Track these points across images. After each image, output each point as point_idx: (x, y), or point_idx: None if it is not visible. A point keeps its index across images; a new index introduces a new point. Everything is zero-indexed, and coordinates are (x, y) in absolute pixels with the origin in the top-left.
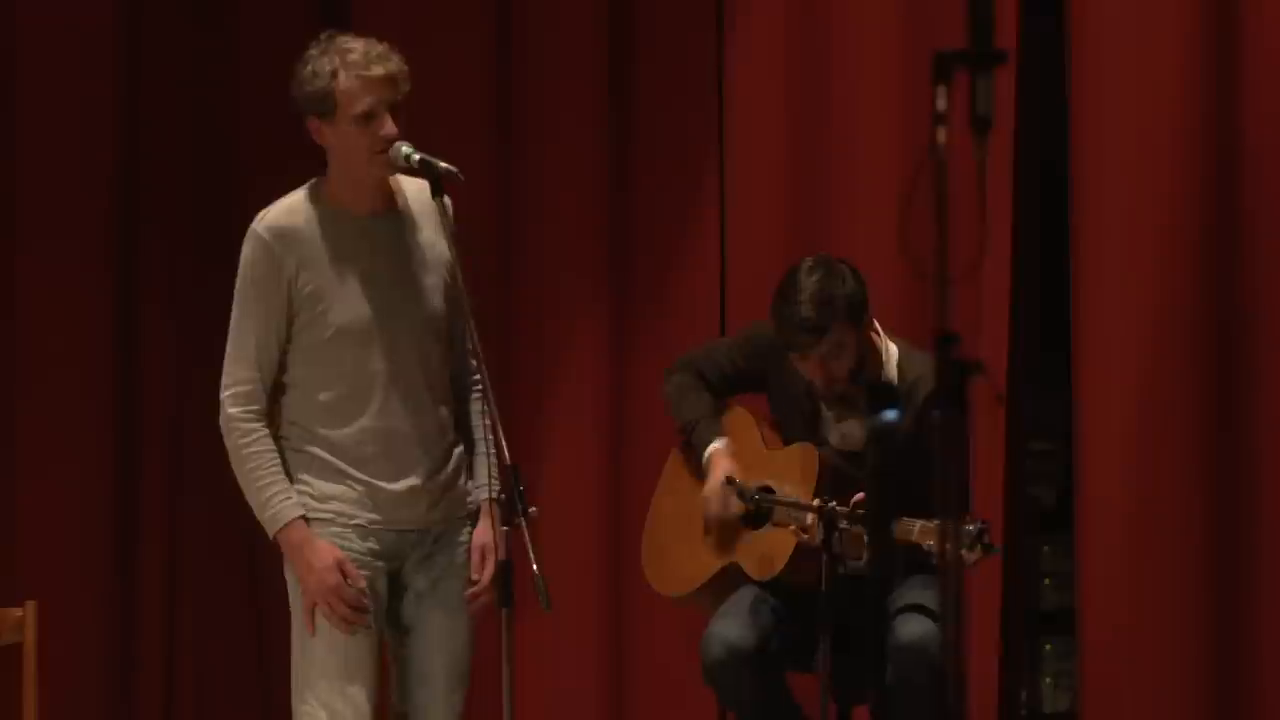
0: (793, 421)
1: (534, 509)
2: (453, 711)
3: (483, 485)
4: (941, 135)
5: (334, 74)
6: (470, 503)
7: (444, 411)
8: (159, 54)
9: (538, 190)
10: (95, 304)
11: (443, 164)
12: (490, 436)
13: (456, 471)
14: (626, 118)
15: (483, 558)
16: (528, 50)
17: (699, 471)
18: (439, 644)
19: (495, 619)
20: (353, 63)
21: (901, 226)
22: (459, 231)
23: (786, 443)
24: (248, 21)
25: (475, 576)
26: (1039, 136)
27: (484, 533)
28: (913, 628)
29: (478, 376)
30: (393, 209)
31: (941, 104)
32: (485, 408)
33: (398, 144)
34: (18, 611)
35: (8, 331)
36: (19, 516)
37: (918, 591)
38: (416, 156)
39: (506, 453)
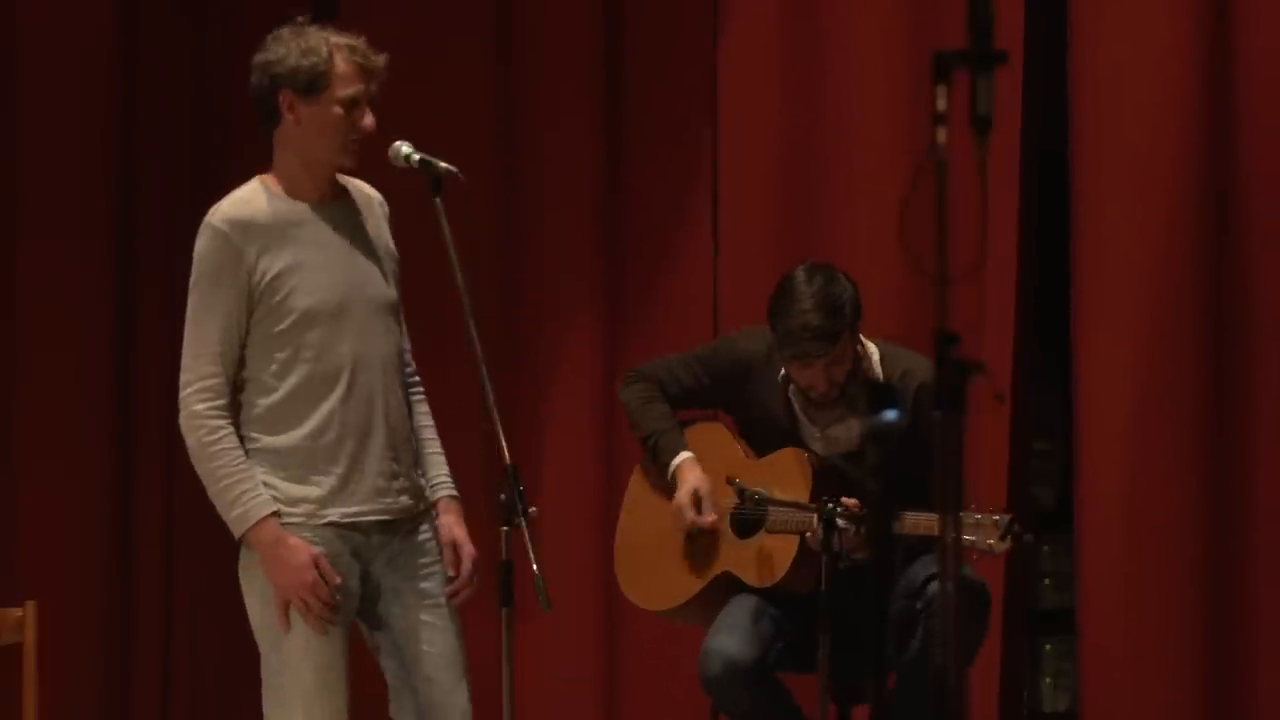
0: (767, 433)
1: (534, 509)
2: (461, 708)
3: (438, 482)
4: (941, 135)
5: (331, 55)
6: (425, 497)
7: (404, 395)
8: (157, 52)
9: (535, 192)
10: (93, 305)
11: (443, 164)
12: (433, 435)
13: (416, 460)
14: (622, 120)
15: (456, 553)
16: (526, 53)
17: (666, 486)
18: (434, 642)
19: (495, 619)
20: (351, 48)
21: (902, 227)
22: (455, 232)
23: (760, 455)
24: (245, 21)
25: (452, 572)
26: (1043, 135)
27: (450, 528)
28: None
29: (416, 378)
30: (341, 197)
31: (941, 104)
32: (484, 409)
33: (397, 144)
34: (18, 611)
35: (7, 332)
36: (19, 516)
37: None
38: (417, 157)
39: (507, 453)
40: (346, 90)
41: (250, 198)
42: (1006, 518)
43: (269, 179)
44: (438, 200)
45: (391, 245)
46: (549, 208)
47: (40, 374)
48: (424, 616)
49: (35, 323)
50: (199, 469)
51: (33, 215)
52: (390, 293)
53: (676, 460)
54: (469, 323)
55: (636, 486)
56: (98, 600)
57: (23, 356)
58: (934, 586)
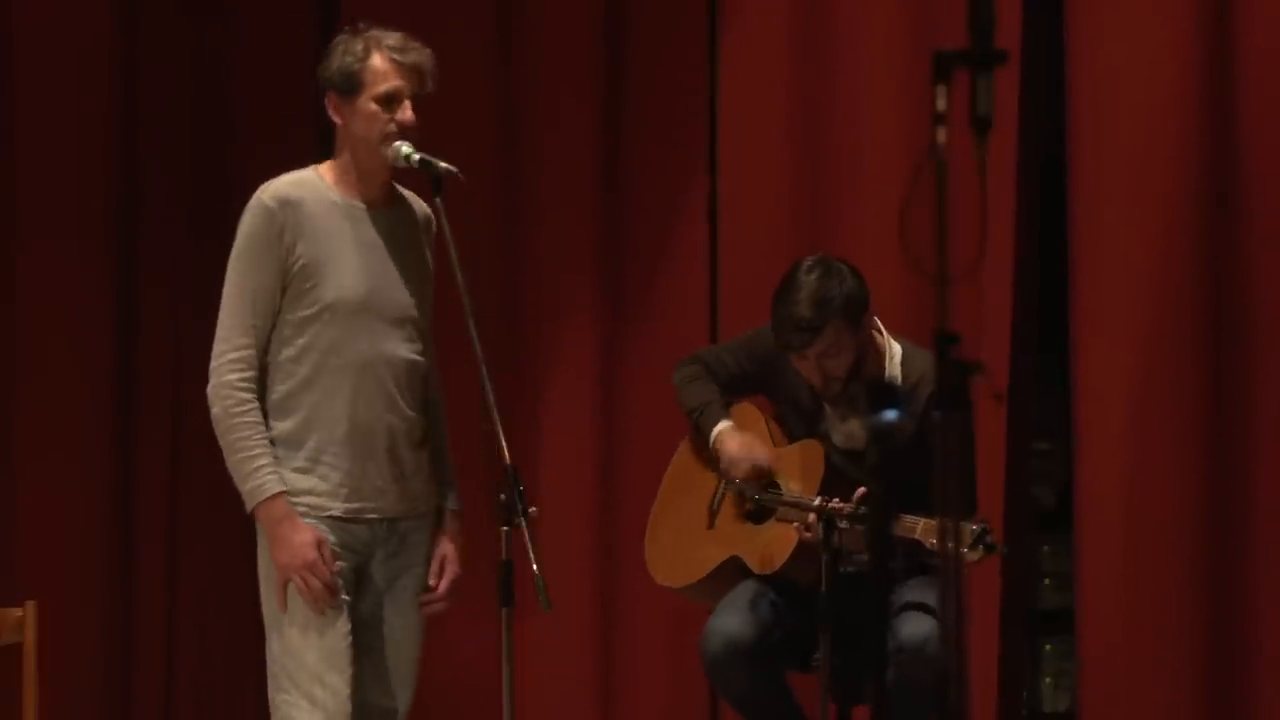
0: (797, 421)
1: (534, 509)
2: (401, 710)
3: (448, 498)
4: (941, 135)
5: (366, 53)
6: (430, 503)
7: (415, 405)
8: (156, 50)
9: (534, 192)
10: (94, 304)
11: (443, 164)
12: (446, 451)
13: (422, 466)
14: (620, 120)
15: (442, 567)
16: (526, 53)
17: (706, 463)
18: (393, 642)
19: (495, 619)
20: (388, 46)
21: (902, 227)
22: (455, 232)
23: (791, 441)
24: (245, 18)
25: (432, 582)
26: (1040, 137)
27: (444, 543)
28: (913, 627)
29: (438, 394)
30: (392, 205)
31: (941, 104)
32: (484, 409)
33: (397, 144)
34: (18, 611)
35: (7, 331)
36: (19, 516)
37: (919, 591)
38: (416, 156)
39: (507, 453)
40: (381, 86)
41: (304, 181)
42: (979, 527)
43: (324, 170)
44: (438, 200)
45: (430, 265)
46: (548, 208)
47: (41, 373)
48: (390, 616)
49: (36, 322)
50: (221, 438)
51: (33, 215)
52: (415, 306)
53: (717, 429)
54: (469, 322)
55: (675, 465)
56: (98, 600)
57: (23, 356)
58: (906, 627)
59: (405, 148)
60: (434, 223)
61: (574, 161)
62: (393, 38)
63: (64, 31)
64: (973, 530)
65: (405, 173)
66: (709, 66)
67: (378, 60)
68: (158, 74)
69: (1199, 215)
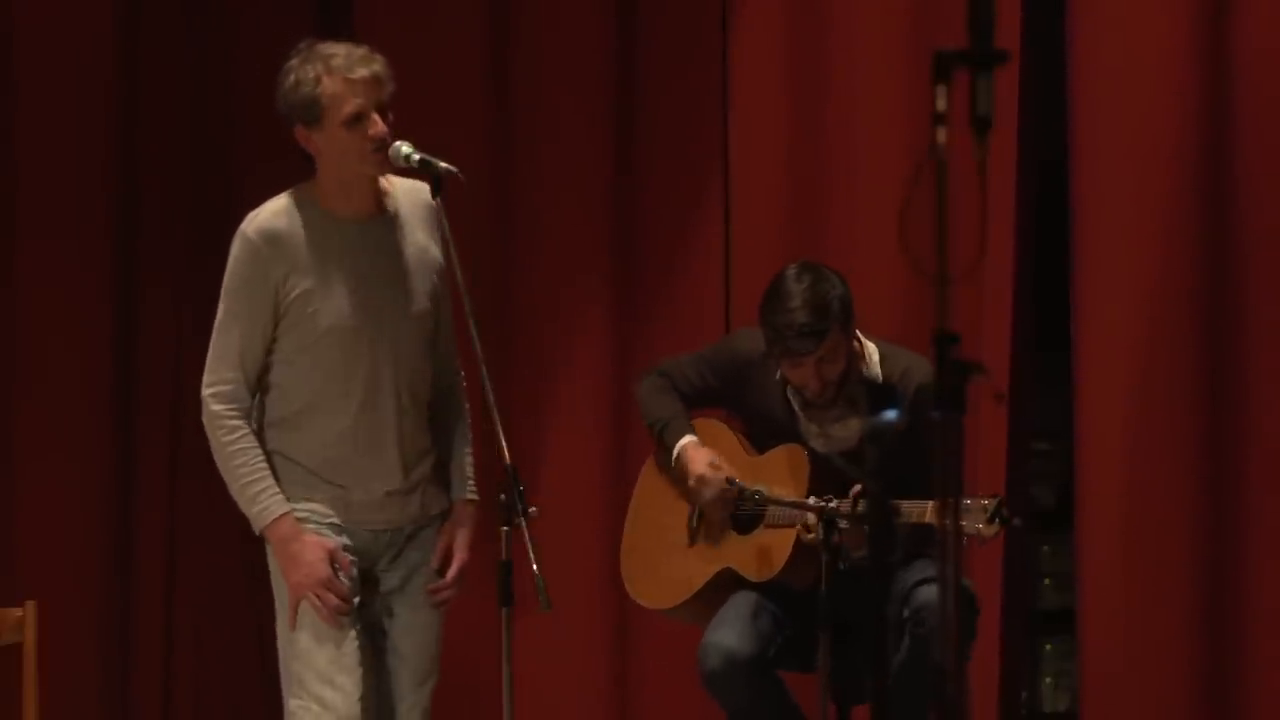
0: (768, 432)
1: (534, 509)
2: (419, 705)
3: (460, 485)
4: (941, 135)
5: (318, 80)
6: (444, 502)
7: (423, 413)
8: (157, 48)
9: (539, 191)
10: (95, 304)
11: (443, 164)
12: (470, 437)
13: (429, 474)
14: (629, 118)
15: (449, 553)
16: (529, 49)
17: (675, 482)
18: (405, 638)
19: (495, 619)
20: (336, 67)
21: (902, 226)
22: (456, 231)
23: (760, 453)
24: (245, 18)
25: (436, 565)
26: (1041, 137)
27: (453, 529)
28: (929, 593)
29: (460, 378)
30: (382, 212)
31: (941, 104)
32: (484, 409)
33: (397, 144)
34: (18, 611)
35: (7, 332)
36: (19, 516)
37: (927, 569)
38: (416, 157)
39: (507, 453)
40: (343, 110)
41: (288, 209)
42: (994, 501)
43: (310, 190)
44: (438, 200)
45: (434, 254)
46: (554, 208)
47: (41, 373)
48: (403, 614)
49: (35, 322)
50: (220, 467)
51: (33, 215)
52: (419, 311)
53: (681, 442)
54: (469, 322)
55: (643, 485)
56: (98, 600)
57: (23, 356)
58: (921, 593)
59: (405, 148)
60: (433, 200)
61: (583, 160)
62: (339, 55)
63: (65, 32)
64: (985, 505)
65: (405, 172)
66: (722, 59)
67: (330, 84)
68: (158, 74)
69: (1199, 215)
